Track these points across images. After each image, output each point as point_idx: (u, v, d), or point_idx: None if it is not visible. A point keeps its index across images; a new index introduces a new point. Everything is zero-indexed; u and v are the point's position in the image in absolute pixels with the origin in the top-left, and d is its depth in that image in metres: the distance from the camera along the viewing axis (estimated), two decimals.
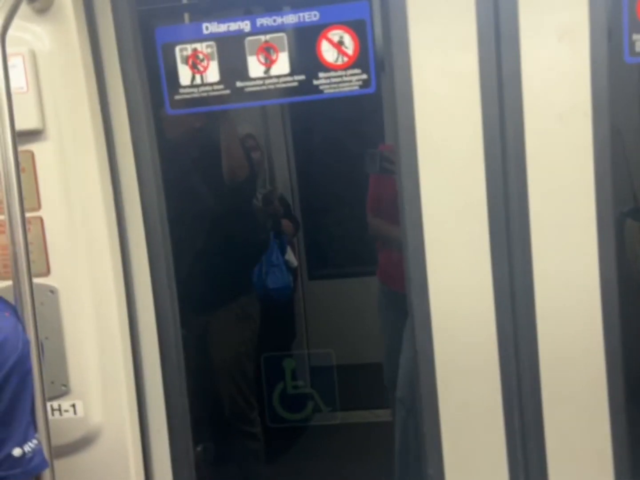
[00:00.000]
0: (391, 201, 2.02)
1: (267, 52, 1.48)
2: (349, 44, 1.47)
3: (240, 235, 2.54)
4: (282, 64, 1.49)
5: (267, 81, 1.50)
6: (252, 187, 2.65)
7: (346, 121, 2.95)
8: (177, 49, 1.50)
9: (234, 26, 1.48)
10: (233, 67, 1.50)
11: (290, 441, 2.78)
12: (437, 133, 1.44)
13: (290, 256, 2.71)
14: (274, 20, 1.47)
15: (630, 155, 1.78)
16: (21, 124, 1.30)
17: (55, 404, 1.48)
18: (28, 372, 1.20)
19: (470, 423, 1.52)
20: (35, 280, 1.31)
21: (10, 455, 1.14)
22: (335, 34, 1.47)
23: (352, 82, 1.49)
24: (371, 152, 2.08)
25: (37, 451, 1.18)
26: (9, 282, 1.29)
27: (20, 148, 1.29)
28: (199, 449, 2.22)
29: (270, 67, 1.49)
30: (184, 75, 1.52)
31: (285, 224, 2.80)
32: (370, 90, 1.49)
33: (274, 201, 2.83)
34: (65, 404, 1.49)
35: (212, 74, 1.51)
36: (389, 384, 2.43)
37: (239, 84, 1.51)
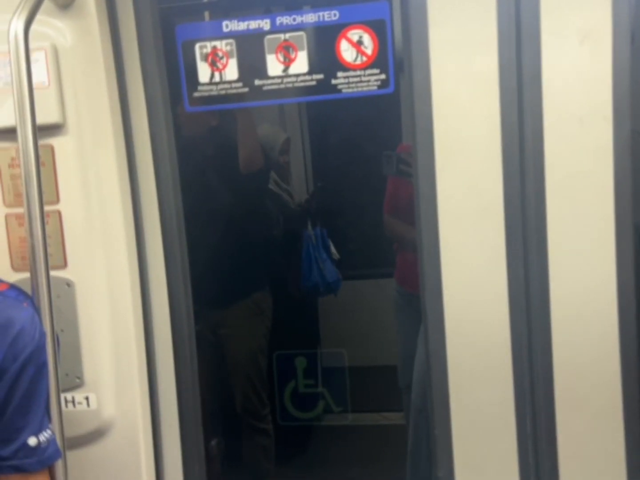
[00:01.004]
0: (408, 203, 2.01)
1: (286, 51, 1.49)
2: (368, 44, 1.47)
3: (254, 230, 2.56)
4: (301, 63, 1.49)
5: (286, 80, 1.50)
6: (266, 182, 2.66)
7: (363, 122, 2.95)
8: (197, 46, 1.51)
9: (253, 24, 1.49)
10: (252, 65, 1.51)
11: (300, 440, 2.78)
12: (455, 134, 1.44)
13: (333, 249, 2.80)
14: (294, 19, 1.47)
15: None
16: (42, 119, 1.32)
17: (69, 395, 1.50)
18: (44, 364, 1.21)
19: (481, 426, 1.51)
20: (52, 273, 1.33)
21: (25, 444, 1.16)
22: (354, 34, 1.47)
23: (370, 82, 1.48)
24: (388, 154, 2.08)
25: (51, 441, 1.20)
26: (27, 274, 1.31)
27: (41, 142, 1.30)
28: (213, 443, 2.22)
29: (289, 66, 1.49)
30: (203, 72, 1.53)
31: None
32: (389, 90, 1.49)
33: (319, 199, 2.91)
34: (79, 396, 1.51)
35: (231, 71, 1.52)
36: (403, 385, 2.42)
37: (257, 82, 1.51)
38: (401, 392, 2.46)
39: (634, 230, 1.45)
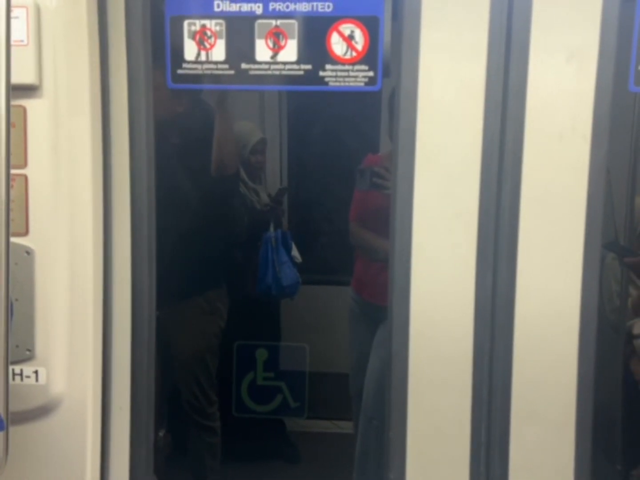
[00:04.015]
0: (375, 213, 2.01)
1: (276, 37, 1.47)
2: (359, 39, 1.46)
3: (218, 227, 2.52)
4: (290, 51, 1.47)
5: (273, 67, 1.49)
6: (234, 181, 2.64)
7: (344, 126, 2.93)
8: (186, 22, 1.48)
9: (245, 7, 1.46)
10: (240, 48, 1.49)
11: (251, 438, 2.74)
12: (436, 138, 1.44)
13: (296, 252, 2.75)
14: (287, 6, 1.46)
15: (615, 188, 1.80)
16: (17, 78, 1.27)
17: (17, 368, 1.44)
18: None
19: (436, 432, 1.51)
20: (12, 239, 1.27)
21: None
22: (346, 28, 1.46)
23: (358, 77, 1.48)
24: (361, 168, 2.09)
25: None
26: None
27: (13, 102, 1.25)
28: (160, 434, 2.18)
29: (278, 53, 1.47)
30: (190, 50, 1.49)
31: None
32: (376, 88, 1.48)
33: (283, 200, 2.85)
34: (28, 369, 1.45)
35: (218, 52, 1.49)
36: (354, 393, 2.43)
37: (244, 65, 1.49)
38: (351, 400, 2.46)
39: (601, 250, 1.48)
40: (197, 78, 1.52)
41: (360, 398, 2.27)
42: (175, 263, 2.24)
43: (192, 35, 1.49)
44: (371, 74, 1.47)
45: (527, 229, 1.45)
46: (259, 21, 1.47)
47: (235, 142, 2.49)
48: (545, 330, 1.48)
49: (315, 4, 1.45)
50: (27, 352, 1.44)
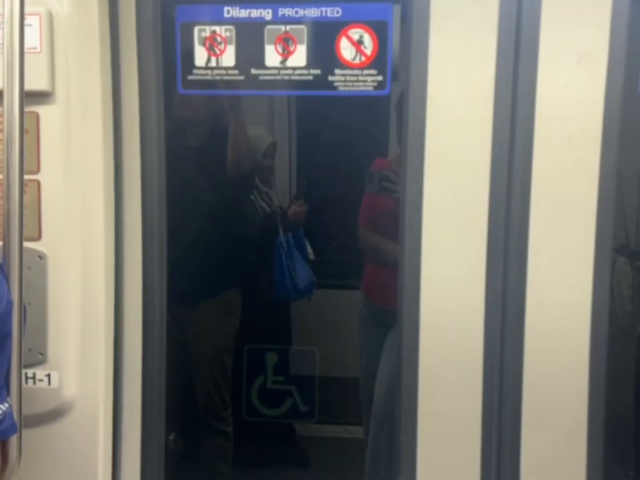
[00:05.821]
0: (384, 217, 2.01)
1: (286, 43, 1.48)
2: (368, 44, 1.47)
3: (231, 229, 2.54)
4: (299, 56, 1.48)
5: (283, 72, 1.50)
6: (250, 184, 2.65)
7: (353, 129, 2.94)
8: (196, 29, 1.50)
9: (255, 13, 1.48)
10: (250, 54, 1.50)
11: (261, 442, 2.74)
12: (446, 142, 1.44)
13: (309, 249, 2.76)
14: (296, 12, 1.47)
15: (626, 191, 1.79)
16: (30, 84, 1.29)
17: (30, 371, 1.45)
18: (8, 334, 1.17)
19: (447, 436, 1.51)
20: (25, 244, 1.29)
21: None
22: (355, 33, 1.47)
23: (367, 82, 1.48)
24: (370, 172, 2.09)
25: (7, 415, 1.16)
26: None
27: (27, 109, 1.27)
28: (171, 437, 2.18)
29: (287, 58, 1.49)
30: (200, 56, 1.51)
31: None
32: (385, 92, 1.49)
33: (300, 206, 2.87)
34: (40, 373, 1.46)
35: (228, 58, 1.50)
36: (364, 397, 2.42)
37: (253, 71, 1.50)
38: (361, 405, 2.45)
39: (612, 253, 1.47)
40: (207, 84, 1.53)
41: (371, 402, 2.26)
42: (187, 266, 2.26)
43: (203, 42, 1.50)
44: (380, 78, 1.48)
45: (537, 233, 1.44)
46: (269, 27, 1.48)
47: (249, 144, 2.51)
48: (556, 334, 1.47)
49: (324, 9, 1.46)
50: (40, 356, 1.45)
